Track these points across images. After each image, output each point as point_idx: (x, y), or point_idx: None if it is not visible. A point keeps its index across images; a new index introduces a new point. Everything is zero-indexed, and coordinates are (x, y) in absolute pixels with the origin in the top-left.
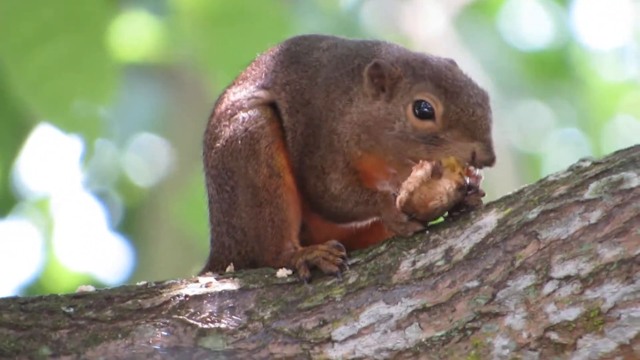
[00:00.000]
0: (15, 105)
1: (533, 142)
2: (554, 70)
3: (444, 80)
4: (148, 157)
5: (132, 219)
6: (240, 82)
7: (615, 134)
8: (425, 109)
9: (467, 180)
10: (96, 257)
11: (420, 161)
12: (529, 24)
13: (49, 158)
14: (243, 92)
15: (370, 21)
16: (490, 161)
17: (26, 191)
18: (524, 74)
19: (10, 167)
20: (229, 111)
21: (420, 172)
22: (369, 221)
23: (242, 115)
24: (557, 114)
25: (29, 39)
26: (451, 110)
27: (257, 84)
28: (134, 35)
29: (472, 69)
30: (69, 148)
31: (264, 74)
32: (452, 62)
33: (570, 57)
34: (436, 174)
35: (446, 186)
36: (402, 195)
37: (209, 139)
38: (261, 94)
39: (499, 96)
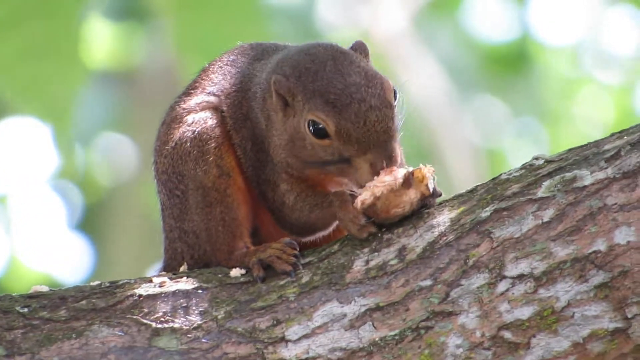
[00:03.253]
0: None
1: (492, 136)
2: (512, 66)
3: (332, 94)
4: (109, 156)
5: (92, 217)
6: (191, 91)
7: (572, 128)
8: (319, 127)
9: (433, 190)
10: (56, 255)
11: (390, 167)
12: (487, 20)
13: (10, 152)
14: (194, 99)
15: (327, 18)
16: (388, 163)
17: None
18: (482, 69)
19: None
20: (179, 116)
21: (389, 177)
22: (331, 229)
23: (191, 116)
24: (515, 109)
25: (1, 24)
26: (342, 125)
27: (207, 91)
28: (91, 41)
29: (431, 65)
30: (32, 141)
31: (212, 83)
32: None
33: (528, 52)
34: (407, 184)
35: (411, 196)
36: (367, 197)
37: (159, 145)
38: (211, 99)
39: (457, 92)
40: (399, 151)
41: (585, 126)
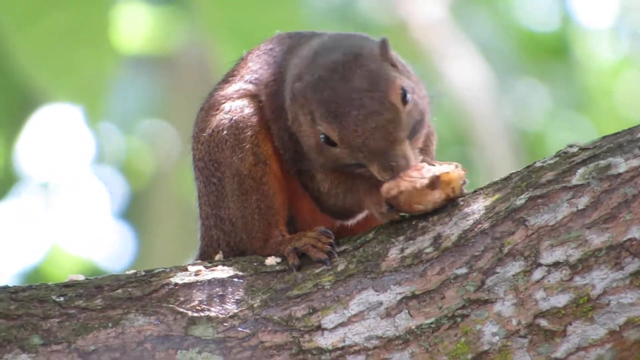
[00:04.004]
0: (18, 83)
1: (532, 122)
2: (552, 51)
3: (334, 103)
4: (150, 142)
5: (133, 204)
6: (230, 79)
7: (613, 113)
8: (328, 137)
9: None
10: (98, 243)
11: (419, 163)
12: (525, 5)
13: (52, 139)
14: (232, 87)
15: (366, 6)
16: (388, 175)
17: (28, 173)
18: (522, 55)
19: (12, 148)
20: (216, 103)
21: (416, 174)
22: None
23: (229, 104)
24: (556, 94)
25: (31, 10)
26: (344, 135)
27: (245, 79)
28: (129, 27)
29: (469, 52)
30: (72, 129)
31: (250, 71)
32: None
33: (567, 37)
34: (432, 186)
35: (436, 196)
36: (392, 187)
37: (197, 131)
38: (249, 87)
39: (497, 78)
40: (409, 153)
41: (626, 111)
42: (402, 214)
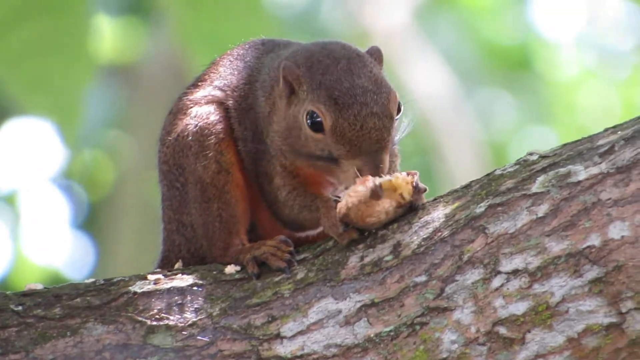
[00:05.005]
0: None
1: (495, 130)
2: (515, 60)
3: (337, 90)
4: (111, 153)
5: (94, 214)
6: (199, 83)
7: (575, 124)
8: (316, 120)
9: (415, 190)
10: (60, 253)
11: (362, 176)
12: (488, 14)
13: (16, 151)
14: (200, 92)
15: (330, 14)
16: (374, 172)
17: None
18: (485, 63)
19: None
20: (184, 107)
21: (361, 188)
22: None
23: (195, 109)
24: (518, 103)
25: (6, 19)
26: (339, 124)
27: (214, 85)
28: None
29: (433, 59)
30: (37, 140)
31: (220, 77)
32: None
33: (530, 47)
34: (375, 195)
35: (385, 205)
36: (342, 206)
37: (163, 134)
38: (217, 93)
39: (460, 86)
40: (387, 162)
41: (588, 121)
42: (362, 230)
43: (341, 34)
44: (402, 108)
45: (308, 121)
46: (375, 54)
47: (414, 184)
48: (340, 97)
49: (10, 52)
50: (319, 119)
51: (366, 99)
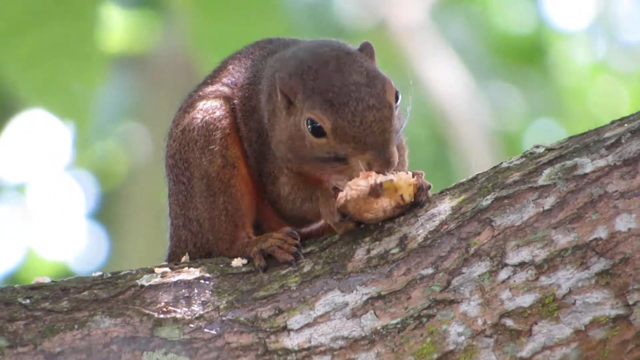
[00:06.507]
0: (1, 92)
1: (508, 123)
2: (527, 54)
3: (331, 92)
4: (124, 144)
5: (107, 205)
6: (209, 80)
7: (587, 116)
8: (317, 126)
9: (418, 192)
10: (72, 245)
11: (366, 171)
12: (502, 10)
13: (30, 143)
14: (209, 88)
15: (345, 11)
16: (384, 167)
17: (5, 176)
18: (498, 58)
19: None
20: (192, 102)
21: (363, 182)
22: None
23: (202, 104)
24: (530, 97)
25: (19, 23)
26: (338, 124)
27: (222, 82)
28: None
29: (447, 55)
30: (50, 134)
31: (228, 74)
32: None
33: (542, 40)
34: (374, 193)
35: (384, 204)
36: (341, 196)
37: (172, 128)
38: (224, 89)
39: (474, 80)
40: (397, 155)
41: (600, 114)
42: (359, 223)
43: (356, 31)
44: (399, 96)
45: (309, 128)
46: (367, 49)
47: (418, 185)
48: (335, 98)
49: (22, 55)
50: (318, 125)
51: (361, 93)
